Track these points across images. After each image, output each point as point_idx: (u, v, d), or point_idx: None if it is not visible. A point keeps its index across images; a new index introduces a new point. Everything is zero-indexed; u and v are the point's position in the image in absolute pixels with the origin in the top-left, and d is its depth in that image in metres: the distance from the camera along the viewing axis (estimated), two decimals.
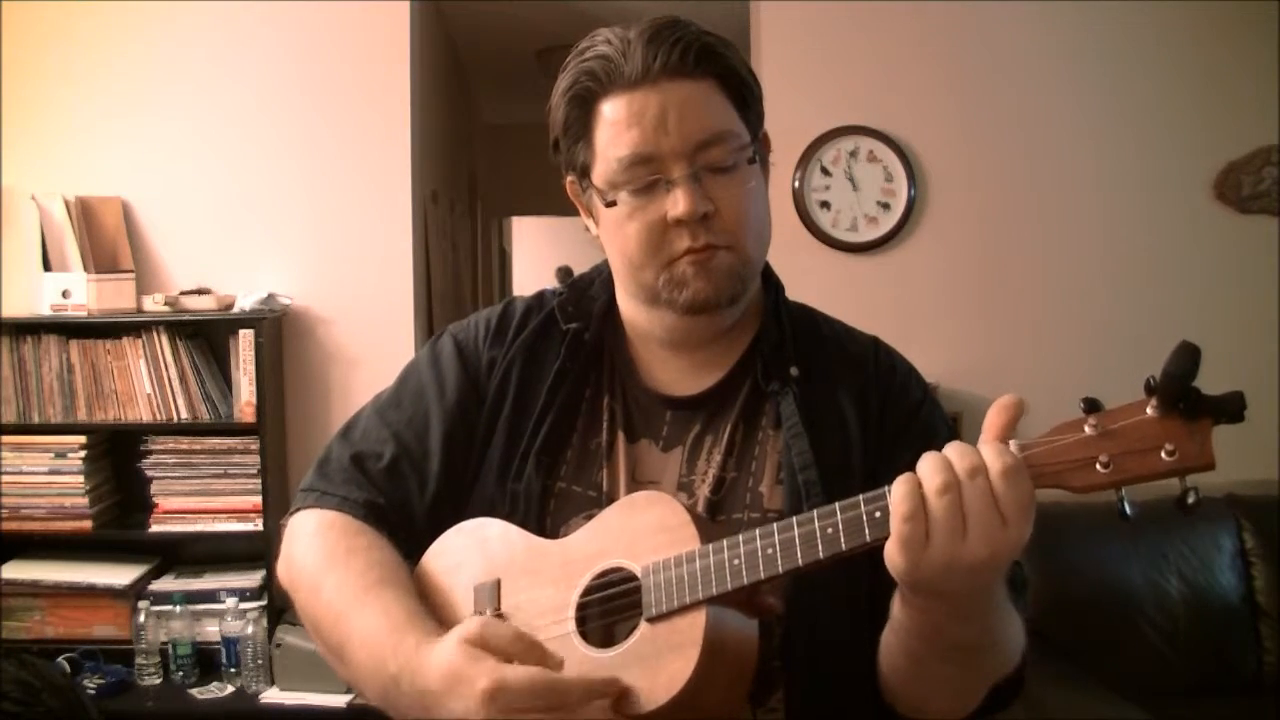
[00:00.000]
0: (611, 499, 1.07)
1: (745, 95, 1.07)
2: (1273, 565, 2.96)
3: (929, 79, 3.33)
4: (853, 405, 1.10)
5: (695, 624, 0.90)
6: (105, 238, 3.04)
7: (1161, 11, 3.30)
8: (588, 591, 0.97)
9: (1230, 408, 0.76)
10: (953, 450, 0.82)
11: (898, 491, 0.81)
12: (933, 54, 3.33)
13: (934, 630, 0.89)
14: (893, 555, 0.82)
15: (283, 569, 1.11)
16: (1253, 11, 3.26)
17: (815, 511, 0.87)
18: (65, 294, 2.90)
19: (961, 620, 0.88)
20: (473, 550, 1.06)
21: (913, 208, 3.33)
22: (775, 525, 0.89)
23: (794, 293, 1.19)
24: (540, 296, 1.21)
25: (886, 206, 3.34)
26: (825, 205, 3.34)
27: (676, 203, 1.02)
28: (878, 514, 0.84)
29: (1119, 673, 2.75)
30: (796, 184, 3.30)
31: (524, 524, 1.06)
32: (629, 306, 1.15)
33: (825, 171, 3.33)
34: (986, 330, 3.35)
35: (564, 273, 7.36)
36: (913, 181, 3.32)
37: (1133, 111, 3.32)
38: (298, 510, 1.13)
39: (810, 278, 3.02)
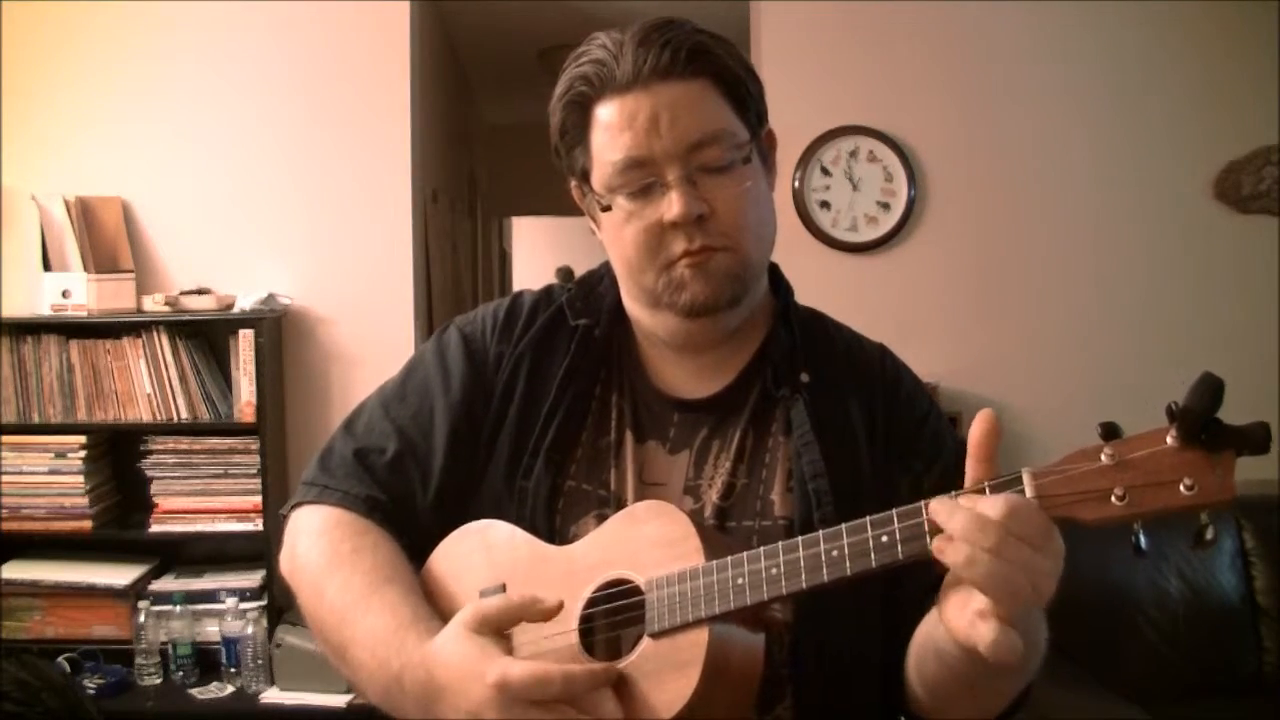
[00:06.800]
0: (620, 499, 1.07)
1: (742, 94, 1.05)
2: (1273, 565, 2.96)
3: (929, 79, 3.33)
4: (861, 414, 1.09)
5: (697, 643, 0.89)
6: (105, 238, 3.03)
7: (1161, 12, 3.30)
8: (592, 603, 0.97)
9: (1254, 440, 0.73)
10: (972, 529, 0.77)
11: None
12: (933, 54, 3.33)
13: (1004, 664, 0.88)
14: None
15: (285, 564, 1.10)
16: (1253, 12, 3.25)
17: (821, 533, 0.86)
18: (65, 294, 2.90)
19: (1029, 645, 0.87)
20: (478, 554, 1.06)
21: (913, 208, 3.33)
22: (780, 545, 0.88)
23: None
24: (548, 291, 1.20)
25: (886, 206, 3.34)
26: (825, 205, 3.34)
27: (671, 205, 1.01)
28: (884, 539, 0.82)
29: (1119, 673, 2.75)
30: (796, 184, 3.30)
31: (532, 521, 1.06)
32: (634, 308, 1.14)
33: (825, 171, 3.33)
34: (986, 330, 3.35)
35: (564, 273, 7.35)
36: (913, 181, 3.32)
37: (1132, 111, 3.32)
38: (299, 504, 1.12)
39: (810, 278, 2.98)
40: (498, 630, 0.92)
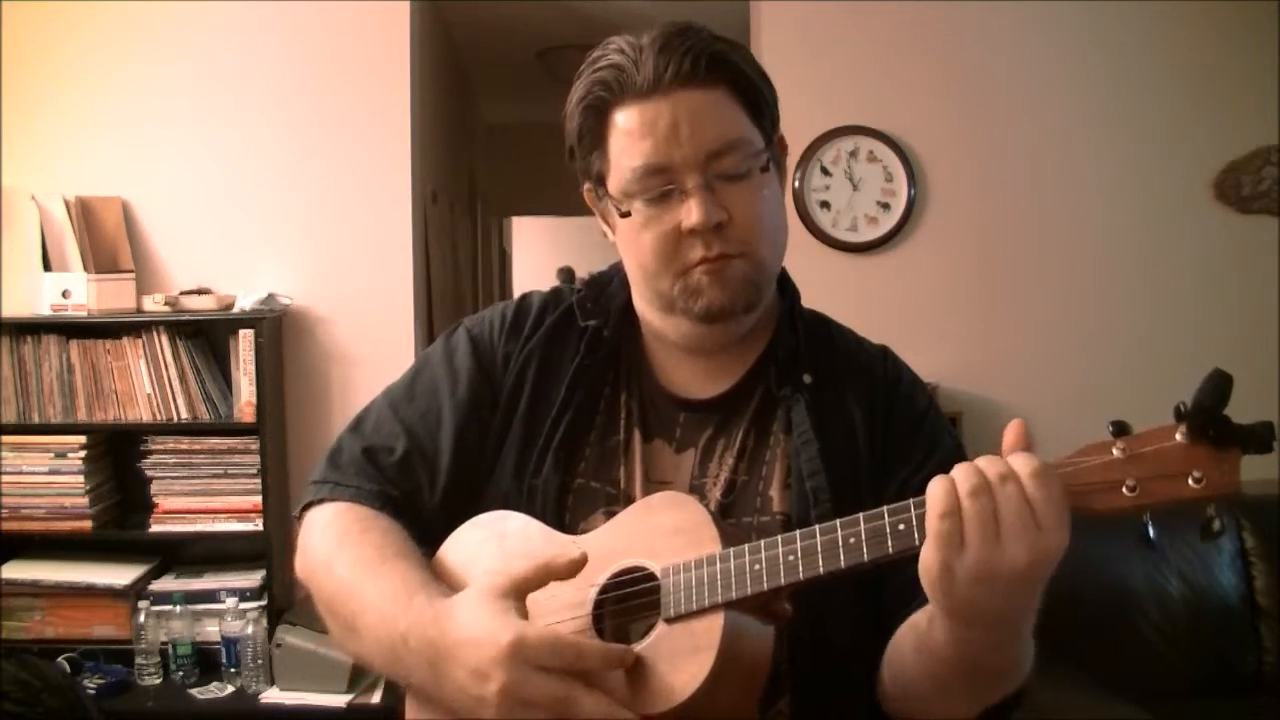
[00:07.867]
0: (629, 496, 1.08)
1: (758, 101, 1.07)
2: (1273, 565, 2.96)
3: (929, 79, 3.33)
4: (860, 414, 1.10)
5: (713, 627, 0.90)
6: (105, 238, 3.04)
7: (1161, 12, 3.30)
8: (605, 590, 0.98)
9: (1259, 438, 0.77)
10: (982, 459, 0.82)
11: (933, 490, 0.81)
12: (933, 54, 3.33)
13: (969, 662, 0.88)
14: (928, 558, 0.81)
15: (299, 561, 1.11)
16: (1253, 11, 3.26)
17: (838, 520, 0.87)
18: (65, 294, 2.90)
19: (996, 650, 0.87)
20: (491, 543, 1.07)
21: (913, 208, 3.33)
22: (798, 532, 0.89)
23: None
24: (557, 293, 1.21)
25: (886, 206, 3.34)
26: (825, 205, 3.34)
27: (690, 213, 1.02)
28: (901, 526, 0.84)
29: (1119, 673, 2.75)
30: (796, 184, 3.30)
31: (541, 519, 1.07)
32: (646, 311, 1.15)
33: (825, 171, 3.33)
34: (987, 330, 3.36)
35: (565, 273, 7.35)
36: (913, 181, 3.32)
37: (1133, 111, 3.32)
38: (311, 504, 1.13)
39: (810, 278, 2.98)
40: (526, 594, 0.93)
